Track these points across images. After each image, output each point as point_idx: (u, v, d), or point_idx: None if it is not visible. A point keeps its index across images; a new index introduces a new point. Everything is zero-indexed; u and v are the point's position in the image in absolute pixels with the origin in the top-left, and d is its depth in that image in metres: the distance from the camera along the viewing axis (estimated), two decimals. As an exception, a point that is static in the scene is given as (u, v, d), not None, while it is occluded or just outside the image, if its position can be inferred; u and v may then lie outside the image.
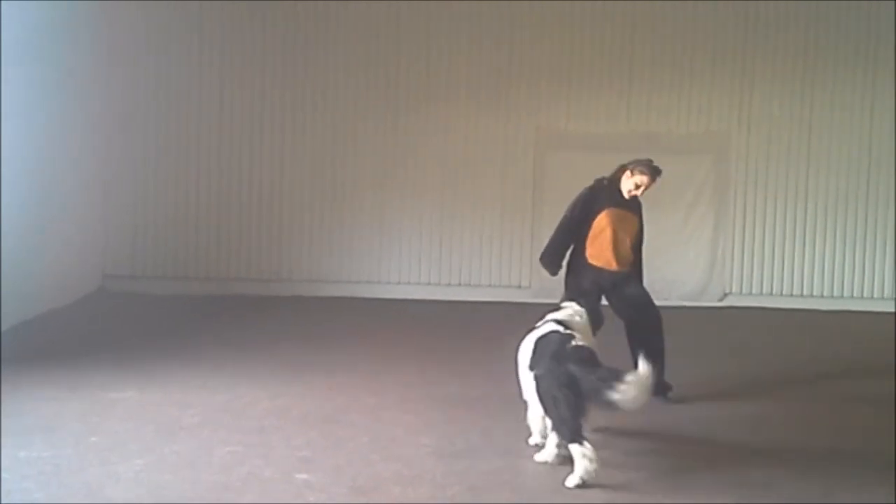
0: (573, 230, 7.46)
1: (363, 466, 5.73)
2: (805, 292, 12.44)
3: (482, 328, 10.65)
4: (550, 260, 7.52)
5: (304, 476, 5.52)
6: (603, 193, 7.44)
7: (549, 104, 12.48)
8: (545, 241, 12.13)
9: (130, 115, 12.18)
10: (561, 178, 12.41)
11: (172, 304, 11.38)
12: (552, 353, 5.78)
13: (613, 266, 7.40)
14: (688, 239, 12.42)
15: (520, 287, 12.53)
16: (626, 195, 7.42)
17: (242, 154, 12.45)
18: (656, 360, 7.22)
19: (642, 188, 7.40)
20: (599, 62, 12.46)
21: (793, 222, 12.49)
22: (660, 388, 7.27)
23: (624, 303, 7.42)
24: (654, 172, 7.36)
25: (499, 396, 7.45)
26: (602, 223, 7.37)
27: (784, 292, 12.42)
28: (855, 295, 12.44)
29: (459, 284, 12.54)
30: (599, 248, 7.39)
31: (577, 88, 12.47)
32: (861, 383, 8.33)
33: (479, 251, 12.57)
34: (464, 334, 10.25)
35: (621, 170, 7.48)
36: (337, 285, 12.39)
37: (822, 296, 12.41)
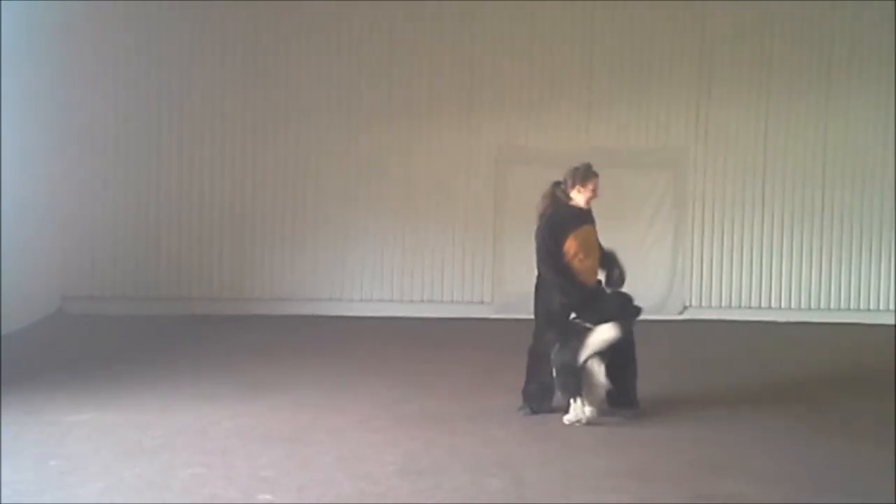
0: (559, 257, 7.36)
1: (328, 486, 5.69)
2: (763, 304, 12.58)
3: (446, 344, 10.64)
4: (578, 293, 7.33)
5: (267, 497, 5.47)
6: (561, 217, 7.39)
7: (510, 120, 12.55)
8: (507, 257, 12.44)
9: (88, 133, 12.05)
10: (522, 194, 12.44)
11: (132, 324, 11.26)
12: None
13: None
14: (647, 252, 12.51)
15: (482, 303, 12.55)
16: (584, 206, 7.42)
17: (203, 172, 12.37)
18: (631, 369, 7.31)
19: (596, 193, 7.42)
20: (559, 78, 12.56)
21: (750, 235, 12.65)
22: (632, 402, 7.31)
23: (597, 316, 7.40)
24: (594, 172, 7.41)
25: (464, 413, 7.47)
26: (571, 248, 7.34)
27: (743, 304, 12.56)
28: (813, 307, 12.60)
29: (422, 301, 12.52)
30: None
31: (537, 105, 12.56)
32: (823, 394, 8.42)
33: (441, 267, 12.58)
34: (428, 351, 10.23)
35: (569, 187, 7.40)
36: (299, 303, 12.33)
37: (780, 307, 12.56)
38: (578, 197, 7.41)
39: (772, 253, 12.65)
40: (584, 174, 7.39)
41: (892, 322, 12.25)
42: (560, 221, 7.36)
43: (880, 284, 12.63)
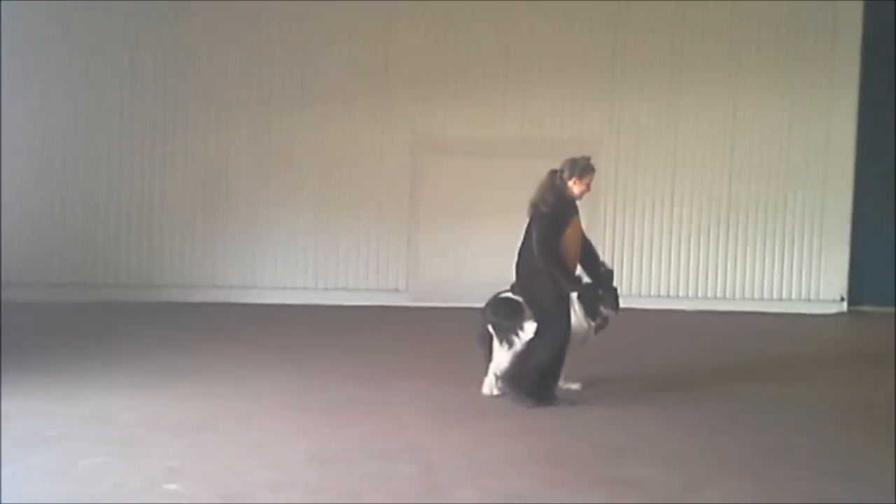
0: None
1: (234, 474, 5.63)
2: (672, 293, 12.85)
3: (359, 332, 10.63)
4: (567, 276, 7.39)
5: (172, 486, 5.39)
6: (563, 207, 7.38)
7: (426, 108, 12.56)
8: (422, 246, 12.47)
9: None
10: (437, 182, 12.57)
11: (38, 311, 10.97)
12: None
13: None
14: (561, 241, 12.64)
15: (397, 290, 12.56)
16: (578, 198, 7.43)
17: (111, 156, 12.11)
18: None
19: (591, 184, 7.45)
20: (475, 68, 12.61)
21: (660, 225, 12.90)
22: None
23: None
24: (592, 167, 7.42)
25: (376, 400, 7.47)
26: (568, 239, 7.40)
27: (652, 293, 12.81)
28: (720, 296, 12.92)
29: (336, 289, 12.48)
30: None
31: (453, 93, 12.58)
32: (727, 381, 8.63)
33: (355, 255, 12.55)
34: (340, 338, 10.20)
35: (566, 178, 7.36)
36: (210, 290, 12.18)
37: (688, 297, 12.84)
38: (574, 189, 7.38)
39: (680, 243, 12.93)
40: (584, 168, 7.38)
41: (800, 311, 12.67)
42: (562, 211, 7.37)
43: (783, 274, 13.00)
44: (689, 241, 12.94)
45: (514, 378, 7.39)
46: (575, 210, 7.47)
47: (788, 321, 12.26)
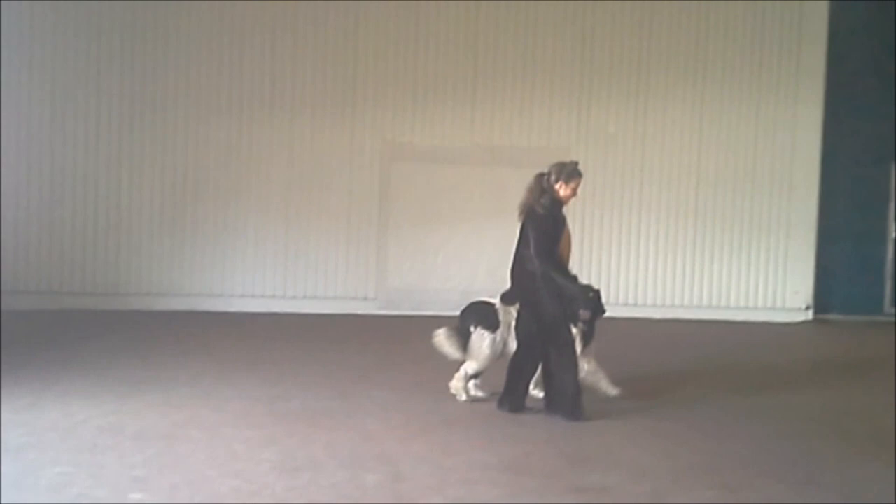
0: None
1: (201, 484, 5.59)
2: (640, 301, 12.93)
3: (327, 340, 10.59)
4: (565, 277, 7.42)
5: (138, 496, 5.35)
6: (556, 211, 7.40)
7: (396, 116, 12.57)
8: (391, 254, 12.46)
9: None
10: (407, 190, 12.58)
11: (2, 319, 10.82)
12: None
13: None
14: (530, 250, 12.68)
15: (366, 299, 12.54)
16: (564, 202, 7.45)
17: (77, 163, 12.01)
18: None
19: (578, 188, 7.46)
20: (444, 76, 12.64)
21: (628, 232, 12.98)
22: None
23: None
24: (579, 172, 7.45)
25: (343, 409, 7.45)
26: (562, 243, 7.45)
27: (620, 301, 12.85)
28: (687, 304, 13.00)
29: (305, 297, 12.44)
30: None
31: (422, 101, 12.61)
32: (693, 390, 8.68)
33: (324, 263, 12.51)
34: (309, 347, 10.16)
35: (553, 182, 7.38)
36: (178, 298, 12.10)
37: (656, 304, 12.92)
38: (560, 192, 7.39)
39: (648, 251, 13.01)
40: (571, 172, 7.41)
41: (766, 319, 12.79)
42: (557, 216, 7.39)
43: (749, 282, 13.12)
44: (657, 249, 13.02)
45: (560, 399, 7.30)
46: (561, 216, 7.49)
47: (755, 329, 12.37)
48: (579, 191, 7.49)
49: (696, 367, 9.69)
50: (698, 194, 13.06)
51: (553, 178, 7.40)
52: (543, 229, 7.29)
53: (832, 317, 13.25)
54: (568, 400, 7.26)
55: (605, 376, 7.74)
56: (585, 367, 7.57)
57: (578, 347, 7.46)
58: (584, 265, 12.73)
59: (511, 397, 7.45)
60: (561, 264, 7.43)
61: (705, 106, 13.01)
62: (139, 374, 8.40)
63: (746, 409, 7.95)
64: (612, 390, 7.74)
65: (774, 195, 13.12)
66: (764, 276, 13.14)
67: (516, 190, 12.77)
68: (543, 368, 7.42)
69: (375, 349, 10.13)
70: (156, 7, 12.05)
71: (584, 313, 7.45)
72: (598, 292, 7.67)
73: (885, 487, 5.98)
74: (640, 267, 13.00)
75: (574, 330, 7.45)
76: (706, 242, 13.09)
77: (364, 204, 12.55)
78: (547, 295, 7.29)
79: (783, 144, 13.10)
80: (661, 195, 13.01)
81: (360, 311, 12.33)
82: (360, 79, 12.50)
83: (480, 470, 6.04)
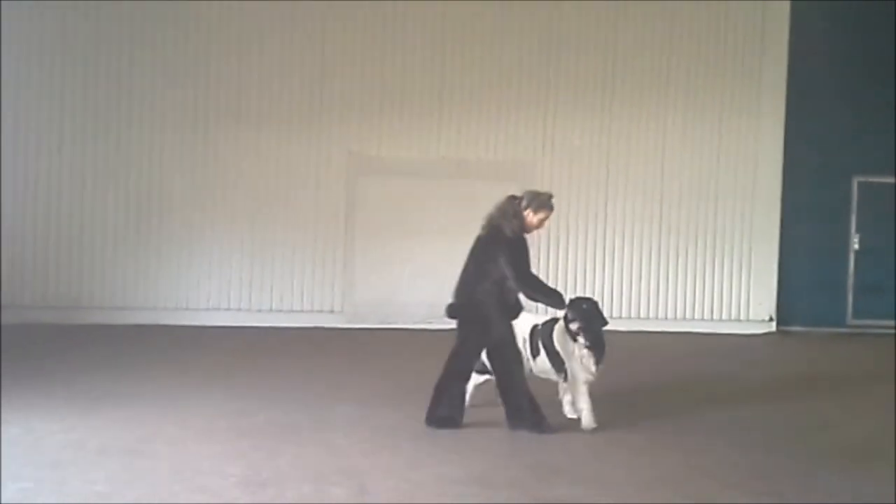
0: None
1: (164, 499, 5.53)
2: (606, 314, 12.93)
3: (293, 354, 10.54)
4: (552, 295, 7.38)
5: (100, 512, 5.29)
6: (520, 236, 7.31)
7: (362, 129, 12.58)
8: (358, 267, 12.44)
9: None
10: (373, 203, 12.58)
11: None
12: None
13: None
14: (496, 263, 12.71)
15: (333, 312, 12.51)
16: (527, 231, 7.36)
17: (40, 175, 11.89)
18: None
19: (546, 220, 7.40)
20: (411, 89, 12.68)
21: (593, 245, 13.05)
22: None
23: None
24: (551, 206, 7.40)
25: (309, 423, 7.41)
26: None
27: (586, 314, 12.90)
28: (652, 316, 13.09)
29: (271, 310, 12.38)
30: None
31: (389, 114, 12.63)
32: (657, 401, 8.73)
33: (290, 276, 12.47)
34: (275, 361, 10.10)
35: (523, 208, 7.30)
36: (142, 312, 12.00)
37: (621, 317, 12.97)
38: (527, 220, 7.32)
39: (613, 263, 13.10)
40: (543, 203, 7.35)
41: (730, 331, 12.90)
42: (523, 240, 7.30)
43: (713, 295, 13.23)
44: (622, 262, 13.11)
45: (519, 414, 7.24)
46: (524, 239, 7.39)
47: (719, 341, 12.46)
48: (547, 223, 7.45)
49: (661, 380, 9.73)
50: (662, 208, 13.17)
51: (524, 203, 7.34)
52: (518, 253, 7.23)
53: (795, 329, 13.39)
54: (526, 413, 7.23)
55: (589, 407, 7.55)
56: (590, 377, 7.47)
57: (591, 365, 7.35)
58: (550, 278, 12.81)
59: (441, 410, 7.37)
60: (541, 285, 7.38)
61: (669, 120, 13.14)
62: (102, 389, 8.31)
63: (711, 421, 7.98)
64: (590, 423, 7.48)
65: (738, 208, 13.27)
66: (728, 288, 13.27)
67: (483, 203, 12.85)
68: (498, 385, 7.38)
69: (342, 363, 10.09)
70: (120, 20, 12.00)
71: (575, 325, 7.33)
72: (593, 302, 7.57)
73: (847, 498, 6.04)
74: (606, 280, 13.07)
75: (579, 349, 7.35)
76: (671, 255, 13.19)
77: (331, 217, 12.52)
78: (496, 312, 7.25)
79: (746, 159, 13.26)
80: (625, 208, 13.11)
81: (326, 325, 12.29)
82: (327, 92, 12.50)
83: (447, 483, 6.03)
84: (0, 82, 11.61)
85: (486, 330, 7.31)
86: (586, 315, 7.40)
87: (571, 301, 7.49)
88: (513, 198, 7.42)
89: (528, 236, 7.41)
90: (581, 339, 7.37)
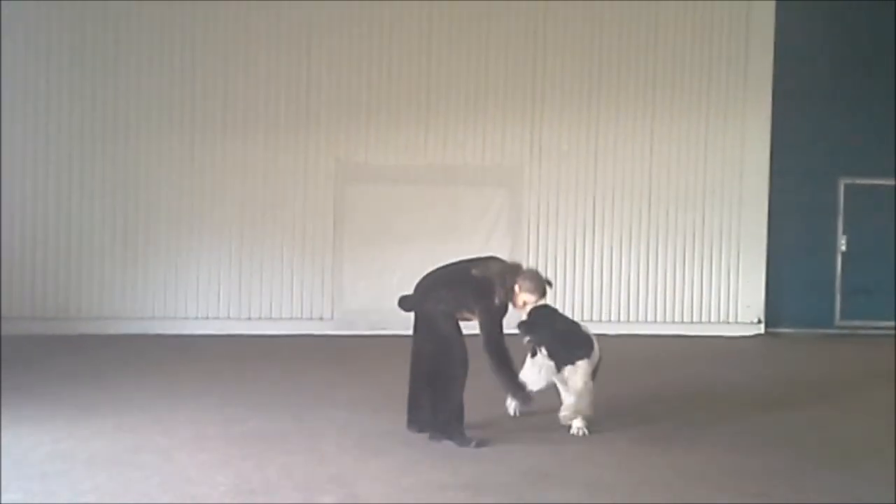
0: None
1: (154, 509, 5.52)
2: (595, 317, 12.98)
3: (282, 362, 10.51)
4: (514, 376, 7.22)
5: (89, 523, 5.26)
6: (504, 304, 7.17)
7: (348, 137, 12.56)
8: (346, 274, 12.42)
9: None
10: (361, 210, 12.58)
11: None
12: None
13: None
14: (485, 268, 12.71)
15: (321, 319, 12.48)
16: (511, 305, 7.22)
17: (25, 185, 11.83)
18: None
19: (528, 306, 7.26)
20: (397, 95, 12.67)
21: (582, 250, 13.06)
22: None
23: None
24: (542, 291, 7.28)
25: (298, 431, 7.39)
26: None
27: (574, 318, 12.86)
28: (641, 319, 13.11)
29: (259, 318, 12.34)
30: None
31: (375, 121, 12.62)
32: (647, 405, 8.74)
33: (279, 284, 12.43)
34: (263, 369, 10.07)
35: (514, 282, 7.19)
36: (129, 322, 11.94)
37: (610, 320, 12.99)
38: (514, 293, 7.19)
39: (602, 267, 13.11)
40: (535, 287, 7.24)
41: (719, 333, 12.92)
42: (505, 309, 7.16)
43: (701, 297, 13.26)
44: (610, 265, 13.13)
45: (445, 427, 7.08)
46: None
47: (708, 344, 12.48)
48: (527, 308, 7.27)
49: (650, 383, 9.73)
50: (650, 211, 13.19)
51: (518, 281, 7.21)
52: (498, 320, 7.07)
53: (784, 330, 13.42)
54: (453, 427, 7.02)
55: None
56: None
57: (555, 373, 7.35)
58: (540, 283, 12.85)
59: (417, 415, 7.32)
60: (507, 360, 7.09)
61: (655, 123, 13.16)
62: (90, 399, 8.27)
63: (701, 424, 7.99)
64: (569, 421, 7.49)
65: (725, 211, 13.30)
66: (716, 290, 13.30)
67: (470, 208, 13.00)
68: (430, 386, 7.16)
69: (331, 370, 10.07)
70: (105, 28, 11.96)
71: (525, 340, 7.28)
72: (543, 311, 7.36)
73: (839, 499, 6.06)
74: (595, 284, 13.08)
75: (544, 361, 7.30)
76: (658, 258, 13.21)
77: (318, 224, 12.50)
78: (444, 326, 7.09)
79: (732, 161, 13.30)
80: (613, 212, 13.13)
81: (315, 332, 12.26)
82: (313, 100, 12.48)
83: (437, 489, 6.02)
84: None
85: (434, 336, 7.11)
86: (531, 328, 7.30)
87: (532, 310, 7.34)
88: (517, 270, 7.30)
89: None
90: (541, 353, 7.35)
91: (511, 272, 7.25)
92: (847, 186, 13.67)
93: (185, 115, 12.20)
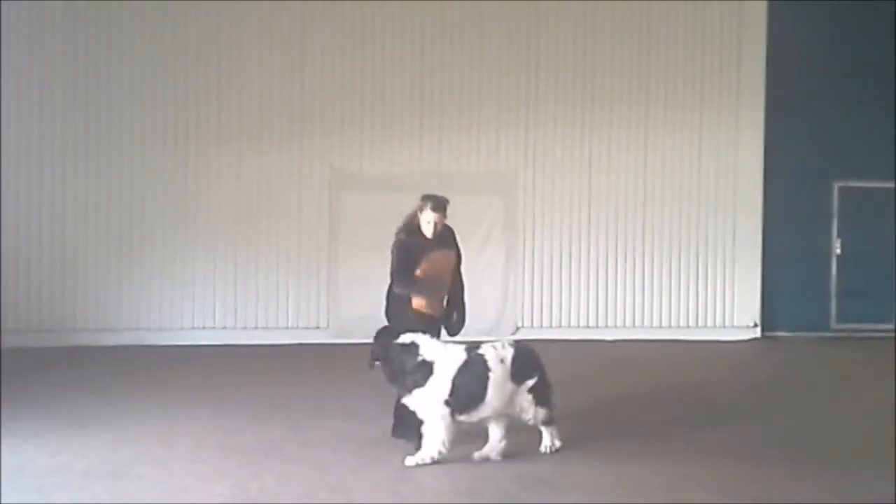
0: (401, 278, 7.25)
1: (151, 520, 5.51)
2: (591, 323, 13.00)
3: (279, 371, 10.50)
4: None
5: (86, 535, 5.25)
6: (413, 237, 7.32)
7: (343, 144, 12.57)
8: (343, 282, 12.41)
9: None
10: (356, 218, 12.55)
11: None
12: None
13: (434, 312, 7.37)
14: (481, 274, 12.66)
15: (318, 328, 12.47)
16: (427, 234, 7.34)
17: (20, 196, 11.83)
18: None
19: (432, 224, 7.32)
20: (391, 103, 12.68)
21: (577, 256, 13.07)
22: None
23: None
24: (438, 206, 7.35)
25: (296, 440, 7.39)
26: (421, 271, 7.25)
27: (572, 324, 12.93)
28: (636, 325, 13.10)
29: (256, 328, 12.34)
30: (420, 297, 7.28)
31: (370, 129, 12.63)
32: (643, 409, 8.74)
33: (275, 293, 12.42)
34: (260, 378, 10.05)
35: (416, 208, 7.38)
36: (126, 333, 11.93)
37: (606, 326, 12.99)
38: (421, 223, 7.34)
39: (598, 272, 13.10)
40: (421, 203, 7.42)
41: (715, 338, 12.92)
42: (403, 243, 7.40)
43: (697, 302, 13.26)
44: (606, 271, 13.12)
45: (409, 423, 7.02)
46: (430, 245, 7.32)
47: (704, 348, 12.47)
48: (434, 223, 7.29)
49: (646, 388, 9.73)
50: (645, 217, 13.20)
51: (419, 204, 7.41)
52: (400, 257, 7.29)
53: (780, 334, 13.42)
54: (413, 427, 6.95)
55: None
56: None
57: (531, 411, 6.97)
58: (536, 288, 12.88)
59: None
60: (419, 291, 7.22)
61: (650, 129, 13.18)
62: (87, 411, 8.26)
63: (698, 428, 8.00)
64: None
65: (720, 216, 13.31)
66: (712, 295, 13.30)
67: (465, 215, 12.95)
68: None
69: (328, 378, 10.06)
70: (98, 37, 11.97)
71: (374, 361, 6.98)
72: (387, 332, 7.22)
73: (829, 500, 6.06)
74: (591, 289, 13.08)
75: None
76: (654, 264, 13.21)
77: (314, 233, 12.50)
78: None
79: (726, 166, 13.31)
80: (608, 218, 13.13)
81: (312, 341, 12.24)
82: (307, 108, 12.50)
83: (435, 496, 6.03)
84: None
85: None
86: (383, 351, 7.06)
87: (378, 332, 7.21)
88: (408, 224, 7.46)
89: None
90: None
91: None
92: (841, 189, 13.69)
93: (179, 126, 12.20)
